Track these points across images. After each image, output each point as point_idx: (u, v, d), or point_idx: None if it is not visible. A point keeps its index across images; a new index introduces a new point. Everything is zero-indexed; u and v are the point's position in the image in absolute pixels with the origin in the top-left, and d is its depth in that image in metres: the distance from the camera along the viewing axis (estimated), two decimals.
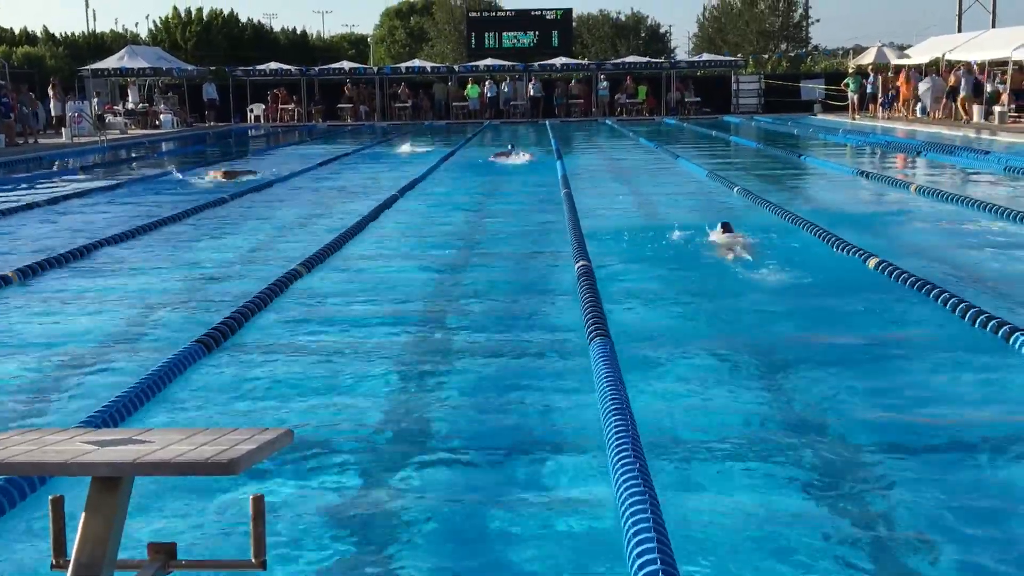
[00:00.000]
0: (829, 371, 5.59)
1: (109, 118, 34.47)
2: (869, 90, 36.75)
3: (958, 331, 6.34)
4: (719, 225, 9.80)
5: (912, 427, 4.75)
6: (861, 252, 8.70)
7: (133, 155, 26.12)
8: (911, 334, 6.45)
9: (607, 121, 38.05)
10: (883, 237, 10.08)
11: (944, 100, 31.96)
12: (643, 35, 64.32)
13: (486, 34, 45.00)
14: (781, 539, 3.62)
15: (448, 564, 3.54)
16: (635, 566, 3.20)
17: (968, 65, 32.56)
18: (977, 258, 9.13)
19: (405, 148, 24.64)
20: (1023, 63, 29.57)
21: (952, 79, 31.72)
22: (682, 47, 71.56)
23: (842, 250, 9.04)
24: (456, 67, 44.78)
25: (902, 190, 14.64)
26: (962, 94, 31.02)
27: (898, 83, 35.43)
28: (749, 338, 6.38)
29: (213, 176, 17.79)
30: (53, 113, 32.95)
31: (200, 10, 55.33)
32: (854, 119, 34.66)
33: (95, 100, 35.02)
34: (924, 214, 12.17)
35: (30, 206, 13.85)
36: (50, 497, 2.37)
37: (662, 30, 66.61)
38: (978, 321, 6.30)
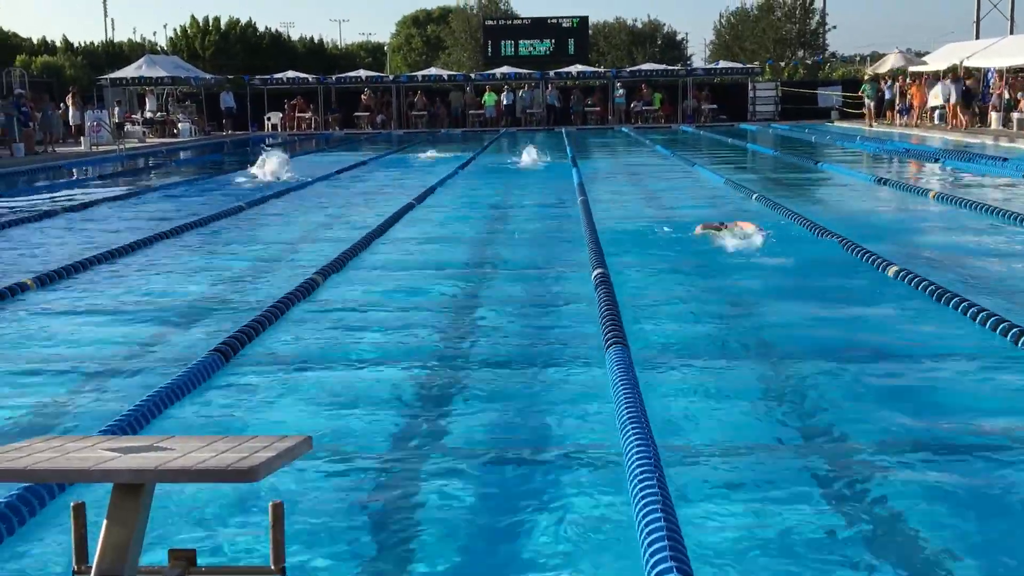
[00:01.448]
0: (848, 379, 5.58)
1: (127, 127, 34.67)
2: (887, 96, 36.64)
3: (975, 337, 6.31)
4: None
5: (938, 437, 4.73)
6: (880, 260, 8.67)
7: (151, 163, 26.27)
8: (931, 342, 6.42)
9: (623, 129, 38.04)
10: (901, 244, 10.03)
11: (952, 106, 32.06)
12: (659, 42, 64.32)
13: (502, 42, 45.11)
14: (800, 547, 3.61)
15: (463, 572, 3.55)
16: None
17: (955, 72, 32.76)
18: (996, 265, 9.08)
19: (426, 155, 24.88)
20: None
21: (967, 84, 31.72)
22: (698, 54, 71.54)
23: (862, 257, 9.01)
24: (472, 75, 44.87)
25: (920, 197, 14.58)
26: (952, 100, 31.13)
27: (911, 91, 35.34)
28: (768, 345, 6.37)
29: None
30: (72, 122, 33.18)
31: (217, 19, 55.65)
32: (871, 126, 34.56)
33: (116, 109, 35.23)
34: (942, 221, 12.12)
35: (49, 214, 13.95)
36: (72, 503, 2.39)
37: (678, 37, 66.66)
38: (999, 328, 6.28)
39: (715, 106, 41.68)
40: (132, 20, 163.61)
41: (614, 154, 26.82)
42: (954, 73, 32.97)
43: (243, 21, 56.85)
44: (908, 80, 36.91)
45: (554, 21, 45.29)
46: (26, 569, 3.55)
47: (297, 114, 41.89)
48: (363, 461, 4.53)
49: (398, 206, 13.95)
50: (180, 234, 11.77)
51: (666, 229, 11.01)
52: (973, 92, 31.92)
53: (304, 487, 4.18)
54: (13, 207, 15.11)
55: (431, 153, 25.09)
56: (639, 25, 65.35)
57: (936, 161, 20.78)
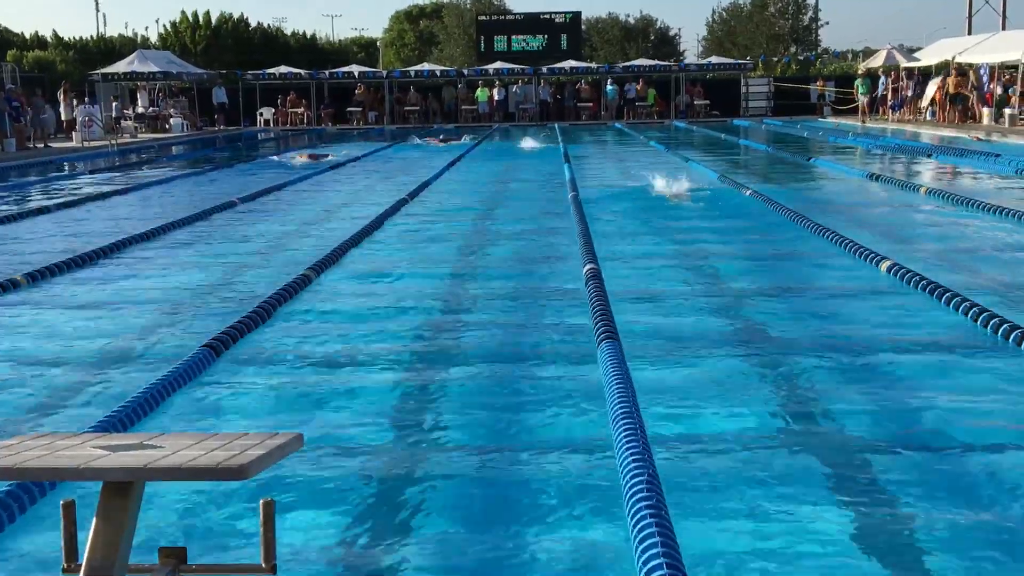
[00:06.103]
0: (842, 376, 5.58)
1: (120, 122, 34.55)
2: (880, 92, 36.72)
3: (969, 334, 6.33)
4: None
5: (929, 433, 4.75)
6: (873, 255, 8.68)
7: (143, 158, 26.19)
8: (923, 338, 6.42)
9: (616, 124, 38.03)
10: (893, 239, 10.05)
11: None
12: (652, 38, 64.25)
13: (495, 37, 45.03)
14: (797, 542, 3.62)
15: (454, 568, 3.54)
16: (643, 573, 3.19)
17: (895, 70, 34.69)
18: (986, 261, 9.10)
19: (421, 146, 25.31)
20: None
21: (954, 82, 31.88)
22: (691, 50, 71.43)
23: (855, 253, 9.02)
24: (465, 71, 44.82)
25: (912, 192, 14.61)
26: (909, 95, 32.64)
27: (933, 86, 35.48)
28: (761, 341, 6.37)
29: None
30: (64, 117, 33.07)
31: (208, 14, 55.46)
32: (864, 122, 34.61)
33: (113, 103, 35.07)
34: (933, 216, 12.14)
35: (40, 210, 13.90)
36: (61, 502, 2.37)
37: (671, 33, 66.51)
38: (990, 324, 6.29)
39: (708, 102, 41.69)
40: (124, 15, 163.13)
41: (607, 149, 26.81)
42: (896, 72, 34.57)
43: (235, 16, 56.63)
44: (904, 77, 36.93)
45: (547, 16, 45.23)
46: (15, 567, 3.54)
47: (289, 109, 41.81)
48: (354, 458, 4.52)
49: (390, 201, 13.91)
50: (169, 230, 11.72)
51: (658, 221, 11.01)
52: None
53: (295, 484, 4.17)
54: (3, 203, 15.05)
55: (427, 140, 25.68)
56: (632, 20, 65.25)
57: (929, 156, 20.85)
